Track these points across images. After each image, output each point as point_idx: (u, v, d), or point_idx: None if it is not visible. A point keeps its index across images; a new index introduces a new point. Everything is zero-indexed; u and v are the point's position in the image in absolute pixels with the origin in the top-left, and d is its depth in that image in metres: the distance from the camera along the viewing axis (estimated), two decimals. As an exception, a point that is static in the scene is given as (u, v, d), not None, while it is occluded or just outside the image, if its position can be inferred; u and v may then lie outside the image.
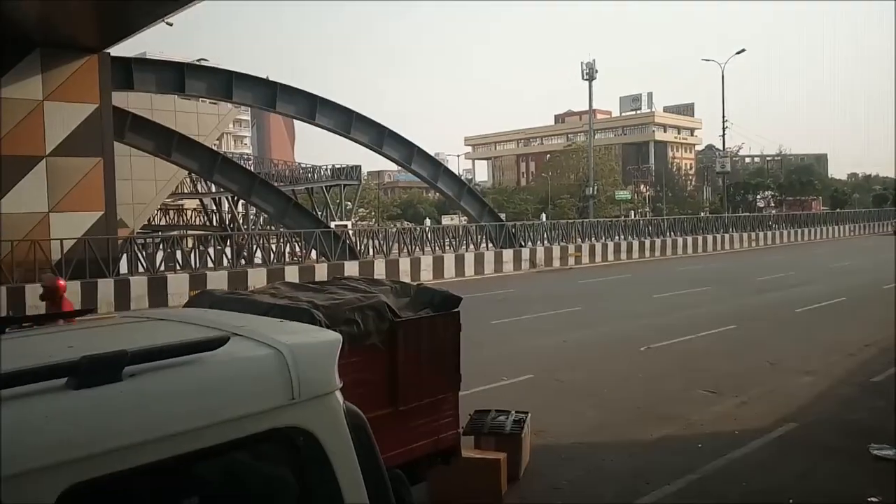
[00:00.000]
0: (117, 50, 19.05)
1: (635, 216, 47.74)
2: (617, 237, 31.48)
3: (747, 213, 48.53)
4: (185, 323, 2.23)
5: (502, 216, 30.75)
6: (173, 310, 2.68)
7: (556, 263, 27.23)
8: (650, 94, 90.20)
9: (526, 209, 61.80)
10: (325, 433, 1.82)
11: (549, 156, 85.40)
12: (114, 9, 16.05)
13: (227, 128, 47.00)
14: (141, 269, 18.96)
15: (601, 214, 52.67)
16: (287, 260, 22.29)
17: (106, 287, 16.86)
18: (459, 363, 5.00)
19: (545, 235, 29.25)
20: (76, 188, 18.02)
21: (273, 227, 34.29)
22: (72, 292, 16.11)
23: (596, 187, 52.76)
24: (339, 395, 1.91)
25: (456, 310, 4.97)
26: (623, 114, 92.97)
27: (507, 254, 25.99)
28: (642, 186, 76.56)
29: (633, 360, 10.56)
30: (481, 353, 9.10)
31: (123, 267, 18.66)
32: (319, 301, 4.45)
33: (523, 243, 27.64)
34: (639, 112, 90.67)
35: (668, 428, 7.36)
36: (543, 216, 31.50)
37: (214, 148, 28.79)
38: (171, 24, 17.68)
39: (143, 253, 19.62)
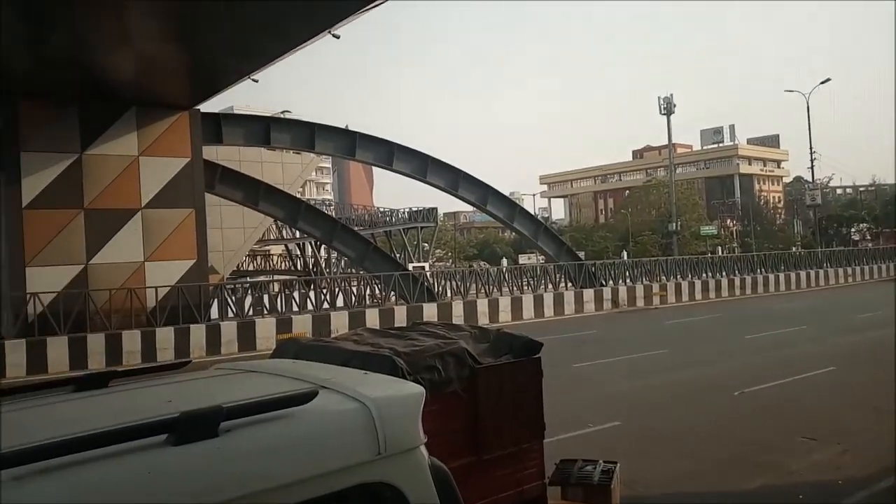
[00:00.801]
0: (207, 106, 20.24)
1: (722, 252, 46.07)
2: (704, 274, 30.36)
3: (842, 248, 45.98)
4: (275, 375, 2.29)
5: (581, 255, 30.31)
6: (263, 361, 2.77)
7: (640, 303, 26.51)
8: (732, 127, 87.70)
9: (606, 247, 60.78)
10: (410, 488, 1.81)
11: (628, 192, 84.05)
12: (203, 69, 17.14)
13: (309, 176, 48.77)
14: (231, 314, 19.73)
15: (686, 251, 51.14)
16: (367, 303, 22.68)
17: (198, 332, 17.60)
18: (543, 410, 4.90)
19: (627, 274, 28.55)
20: (170, 238, 19.05)
21: (354, 271, 35.06)
22: (166, 338, 17.01)
23: (679, 223, 51.42)
24: (423, 449, 1.91)
25: (537, 355, 4.90)
26: (704, 147, 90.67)
27: (588, 293, 25.54)
28: (728, 221, 74.01)
29: (725, 405, 10.07)
30: (565, 399, 8.89)
31: (214, 312, 19.46)
32: (400, 348, 4.47)
33: (604, 282, 27.11)
34: (721, 145, 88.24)
35: (765, 477, 6.93)
36: (625, 254, 30.87)
37: (298, 196, 29.87)
38: (256, 81, 18.67)
39: (233, 298, 20.43)
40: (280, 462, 1.65)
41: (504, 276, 25.61)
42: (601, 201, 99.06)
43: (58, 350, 15.67)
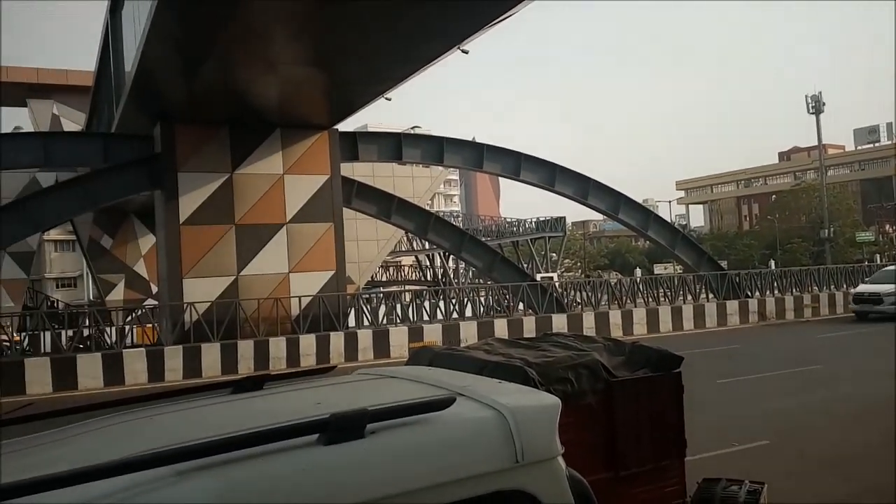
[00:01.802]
0: (343, 125, 21.26)
1: (881, 260, 41.95)
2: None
3: None
4: (413, 381, 2.36)
5: (723, 264, 28.64)
6: (401, 368, 2.87)
7: (790, 315, 24.66)
8: (889, 125, 79.88)
9: (750, 255, 57.16)
10: (548, 497, 1.80)
11: (774, 196, 78.71)
12: (341, 91, 17.99)
13: (438, 188, 49.88)
14: (366, 323, 20.51)
15: (840, 259, 47.11)
16: (496, 313, 22.75)
17: (337, 339, 18.43)
18: (683, 427, 4.68)
19: (775, 284, 26.68)
20: (311, 250, 20.13)
21: (482, 281, 35.32)
22: (308, 344, 17.97)
23: (832, 229, 47.52)
24: (561, 460, 1.90)
25: (677, 370, 4.69)
26: (859, 147, 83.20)
27: (732, 305, 24.11)
28: (887, 226, 67.30)
29: (887, 425, 9.12)
30: (707, 416, 8.44)
31: (352, 320, 20.32)
32: (531, 358, 4.45)
33: (749, 293, 25.49)
34: (878, 145, 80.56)
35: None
36: (772, 263, 28.86)
37: (427, 208, 30.59)
38: (389, 99, 19.35)
39: (368, 307, 21.24)
40: (421, 465, 1.70)
41: (638, 287, 24.75)
42: (744, 207, 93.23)
43: (211, 355, 16.97)
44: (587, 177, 25.29)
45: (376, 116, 48.38)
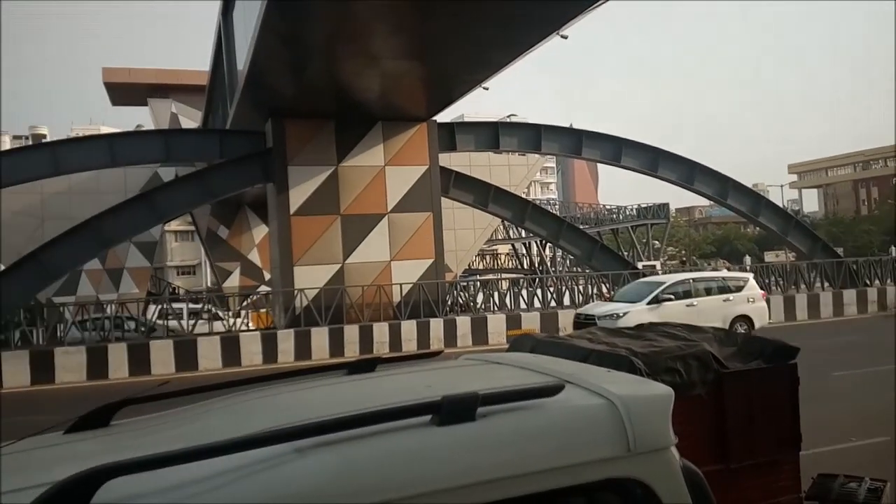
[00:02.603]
0: (441, 116, 21.48)
1: None
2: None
3: None
4: (519, 368, 2.40)
5: (839, 251, 26.80)
6: (506, 354, 2.92)
7: (914, 306, 22.83)
8: None
9: (869, 242, 53.23)
10: (662, 487, 1.80)
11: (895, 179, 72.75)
12: (439, 82, 18.18)
13: (534, 176, 49.43)
14: (464, 310, 20.73)
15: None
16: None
17: (436, 326, 18.76)
18: (798, 420, 4.48)
19: (896, 272, 24.75)
20: (411, 239, 20.55)
21: (580, 269, 34.77)
22: (409, 330, 18.40)
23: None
24: (674, 450, 1.89)
25: (793, 361, 4.49)
26: None
27: (849, 294, 22.58)
28: None
29: None
30: (823, 410, 8.00)
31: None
32: (637, 348, 4.39)
33: (868, 282, 23.77)
34: None
35: None
36: (893, 250, 26.67)
37: (524, 196, 30.40)
38: (487, 88, 19.36)
39: (466, 295, 21.42)
40: (532, 449, 1.74)
41: (748, 276, 23.57)
42: (862, 190, 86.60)
43: (320, 339, 17.71)
44: (693, 161, 24.33)
45: (474, 106, 48.33)
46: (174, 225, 50.33)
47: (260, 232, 32.44)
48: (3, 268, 20.93)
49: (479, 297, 21.79)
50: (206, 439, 1.57)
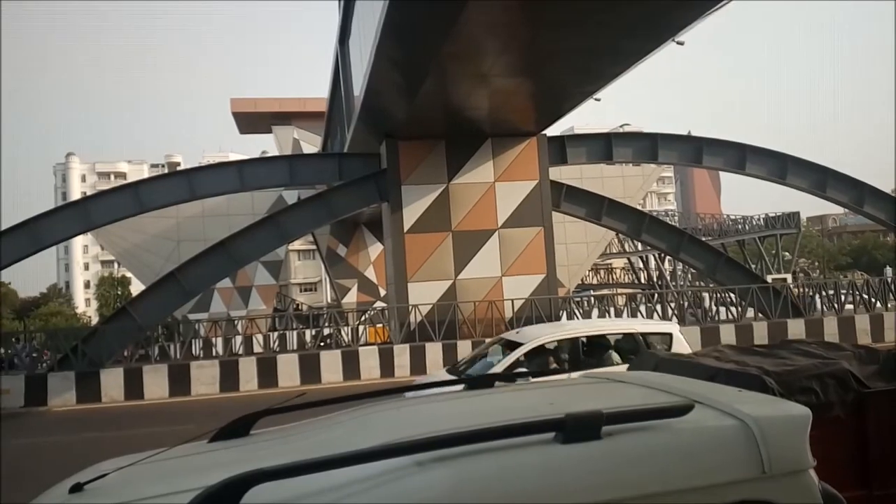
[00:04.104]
0: (551, 129, 21.34)
1: None
2: None
3: None
4: (643, 386, 2.35)
5: None
6: (628, 373, 2.85)
7: None
8: None
9: None
10: None
11: None
12: (549, 96, 18.09)
13: (651, 187, 47.86)
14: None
15: None
16: (721, 318, 21.30)
17: (549, 343, 18.52)
18: (955, 446, 4.07)
19: None
20: (522, 254, 20.49)
21: (702, 283, 33.25)
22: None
23: None
24: (813, 473, 1.79)
25: (946, 382, 4.09)
26: None
27: None
28: None
29: None
30: None
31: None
32: (769, 366, 4.15)
33: None
34: None
35: None
36: None
37: (640, 208, 29.55)
38: (598, 100, 19.05)
39: (580, 311, 21.05)
40: (659, 470, 1.70)
41: (890, 288, 21.70)
42: None
43: (434, 354, 17.97)
44: (824, 167, 22.77)
45: (584, 118, 47.77)
46: (297, 244, 53.01)
47: (375, 250, 33.57)
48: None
49: (594, 314, 21.32)
50: (337, 449, 1.65)
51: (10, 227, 18.30)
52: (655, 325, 11.19)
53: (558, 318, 19.94)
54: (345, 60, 22.28)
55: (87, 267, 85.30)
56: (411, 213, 20.05)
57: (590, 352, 9.13)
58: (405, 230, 19.97)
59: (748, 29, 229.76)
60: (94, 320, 59.98)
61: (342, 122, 24.60)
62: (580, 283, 37.46)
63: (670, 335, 9.56)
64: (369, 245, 34.39)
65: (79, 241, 78.41)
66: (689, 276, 46.50)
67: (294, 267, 59.25)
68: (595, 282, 47.63)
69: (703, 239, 33.77)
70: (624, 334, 9.51)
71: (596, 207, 22.72)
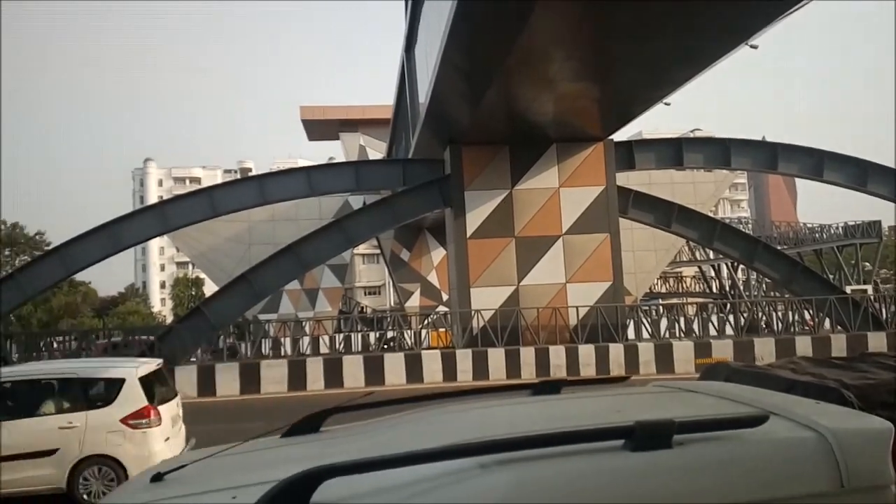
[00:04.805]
0: (618, 134, 21.01)
1: None
2: None
3: None
4: (716, 396, 2.29)
5: None
6: (700, 382, 2.79)
7: None
8: None
9: None
10: None
11: None
12: (617, 102, 17.83)
13: (723, 193, 46.45)
14: (646, 335, 19.93)
15: None
16: (797, 329, 20.47)
17: (616, 351, 18.22)
18: None
19: None
20: (588, 261, 20.21)
21: (777, 294, 32.00)
22: (587, 354, 18.04)
23: None
24: (894, 489, 1.71)
25: None
26: None
27: None
28: None
29: None
30: None
31: (630, 333, 19.92)
32: (849, 380, 3.96)
33: None
34: None
35: None
36: None
37: (711, 215, 28.70)
38: (668, 104, 18.65)
39: (648, 320, 20.61)
40: (732, 481, 1.66)
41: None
42: None
43: (496, 359, 17.92)
44: (908, 174, 21.61)
45: (652, 123, 46.75)
46: (362, 248, 53.89)
47: (438, 254, 33.76)
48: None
49: (663, 323, 20.82)
50: (402, 448, 1.68)
51: (91, 229, 19.28)
52: (103, 363, 9.32)
53: (625, 327, 19.60)
54: (410, 67, 22.56)
55: (162, 268, 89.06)
56: (474, 218, 20.08)
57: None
58: (468, 235, 20.02)
59: (828, 28, 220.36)
60: (169, 319, 62.55)
61: (407, 129, 24.90)
62: (648, 291, 36.63)
63: (122, 379, 7.70)
64: (432, 250, 34.62)
65: (155, 243, 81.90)
66: (764, 285, 44.83)
67: (359, 270, 60.26)
68: (664, 290, 46.49)
69: (779, 247, 32.55)
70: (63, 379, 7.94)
71: (665, 214, 22.24)
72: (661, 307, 24.37)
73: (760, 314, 21.29)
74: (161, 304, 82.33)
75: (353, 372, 17.62)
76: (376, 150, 37.95)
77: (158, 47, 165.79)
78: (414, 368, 17.76)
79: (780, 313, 21.00)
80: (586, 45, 13.77)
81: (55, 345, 20.57)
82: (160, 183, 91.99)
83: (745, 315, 20.66)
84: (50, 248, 23.89)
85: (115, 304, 67.62)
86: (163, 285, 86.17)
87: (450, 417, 2.39)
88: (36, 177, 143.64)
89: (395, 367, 17.78)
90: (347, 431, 2.48)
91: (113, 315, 60.68)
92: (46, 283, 20.31)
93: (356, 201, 29.40)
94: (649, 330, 20.14)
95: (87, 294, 61.82)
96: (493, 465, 1.64)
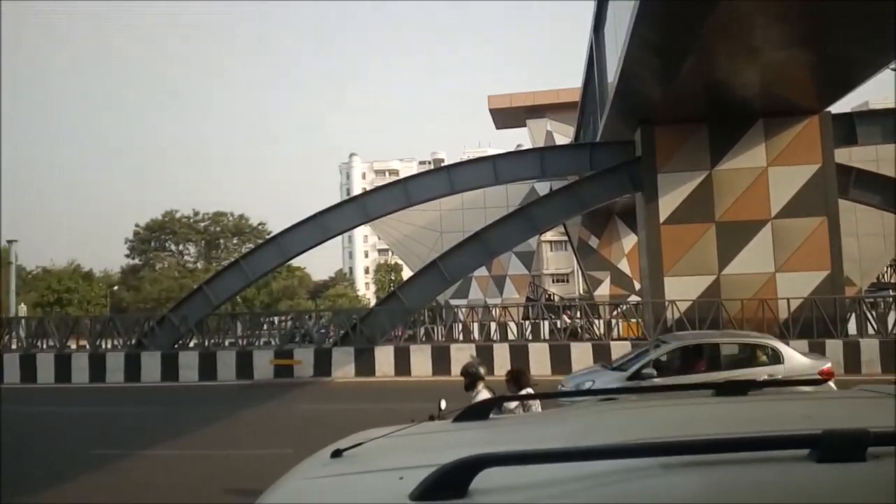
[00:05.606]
0: (836, 106, 18.78)
1: None
2: None
3: None
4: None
5: None
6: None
7: None
8: None
9: None
10: None
11: None
12: (833, 69, 15.93)
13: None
14: (870, 331, 17.72)
15: None
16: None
17: (834, 348, 16.42)
18: None
19: None
20: (801, 248, 18.37)
21: None
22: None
23: None
24: None
25: None
26: None
27: None
28: None
29: None
30: None
31: (852, 328, 17.84)
32: None
33: None
34: None
35: None
36: None
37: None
38: (895, 70, 16.29)
39: (873, 313, 18.30)
40: None
41: None
42: None
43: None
44: None
45: (883, 89, 41.06)
46: (549, 235, 53.73)
47: (629, 241, 32.62)
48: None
49: (892, 317, 18.35)
50: (574, 442, 1.66)
51: (303, 219, 21.25)
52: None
53: (845, 321, 17.58)
54: (599, 48, 21.96)
55: (366, 255, 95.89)
56: (668, 202, 19.11)
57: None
58: (661, 221, 19.11)
59: None
60: (372, 302, 67.28)
61: (595, 112, 24.30)
62: (875, 281, 32.50)
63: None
64: (623, 236, 33.53)
65: (360, 232, 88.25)
66: None
67: (546, 257, 60.18)
68: (895, 280, 40.96)
69: None
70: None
71: (895, 194, 19.55)
72: (890, 299, 21.46)
73: None
74: (365, 289, 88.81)
75: (540, 359, 17.69)
76: (564, 136, 37.53)
77: (365, 52, 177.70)
78: (601, 358, 17.38)
79: None
80: (798, 4, 12.40)
81: (275, 323, 23.01)
82: (363, 176, 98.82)
83: None
84: (270, 236, 26.76)
85: (326, 287, 74.19)
86: (367, 271, 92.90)
87: (624, 414, 2.33)
88: (259, 172, 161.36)
89: (581, 357, 17.54)
90: (517, 421, 2.50)
91: (324, 297, 66.67)
92: (266, 268, 22.75)
93: (542, 188, 29.33)
94: (875, 325, 17.85)
95: (302, 279, 68.54)
96: (677, 467, 1.58)
